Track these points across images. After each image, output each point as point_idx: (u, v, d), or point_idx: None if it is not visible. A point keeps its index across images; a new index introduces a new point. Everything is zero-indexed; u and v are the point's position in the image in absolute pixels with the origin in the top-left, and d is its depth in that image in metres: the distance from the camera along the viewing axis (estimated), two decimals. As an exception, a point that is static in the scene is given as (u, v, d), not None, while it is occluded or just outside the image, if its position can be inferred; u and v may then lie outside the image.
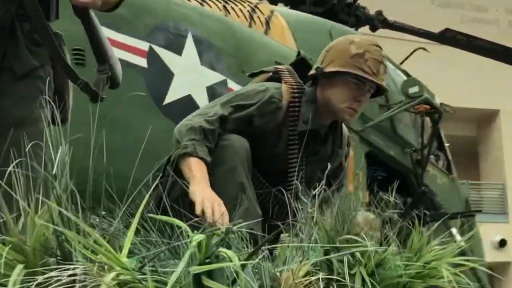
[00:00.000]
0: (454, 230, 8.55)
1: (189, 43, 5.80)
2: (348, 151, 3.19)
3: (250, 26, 6.81)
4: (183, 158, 2.61)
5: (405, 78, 8.99)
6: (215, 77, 5.89)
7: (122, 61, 5.37)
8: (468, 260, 2.41)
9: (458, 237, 8.48)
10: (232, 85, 6.03)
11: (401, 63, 9.40)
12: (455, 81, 24.17)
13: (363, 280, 2.09)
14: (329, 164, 2.96)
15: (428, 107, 8.15)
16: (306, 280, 1.85)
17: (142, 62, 5.42)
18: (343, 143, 3.13)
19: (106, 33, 5.36)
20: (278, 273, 1.80)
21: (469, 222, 9.98)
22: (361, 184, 7.57)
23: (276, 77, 3.10)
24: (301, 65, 3.34)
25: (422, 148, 8.63)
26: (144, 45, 5.46)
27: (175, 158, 2.63)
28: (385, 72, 2.91)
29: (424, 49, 9.45)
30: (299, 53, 4.28)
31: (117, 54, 5.32)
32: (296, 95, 2.94)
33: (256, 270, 1.80)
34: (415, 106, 8.15)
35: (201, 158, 2.58)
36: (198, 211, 2.26)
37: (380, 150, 8.14)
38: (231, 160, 2.61)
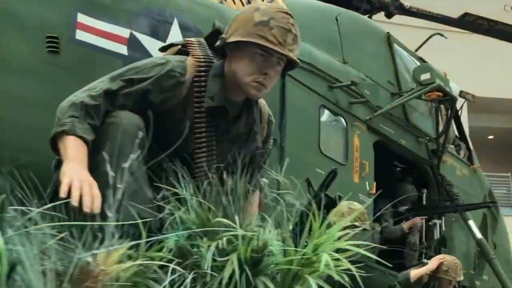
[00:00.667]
0: (471, 223, 8.24)
1: (175, 30, 5.65)
2: (270, 131, 2.94)
3: (246, 12, 6.63)
4: (60, 137, 2.39)
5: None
6: (203, 64, 5.74)
7: (100, 49, 5.33)
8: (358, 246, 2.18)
9: (475, 230, 8.18)
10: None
11: (417, 50, 9.10)
12: (493, 71, 23.47)
13: (241, 267, 1.90)
14: (247, 145, 2.74)
15: (440, 94, 7.85)
16: (117, 268, 1.65)
17: (122, 49, 5.31)
18: (262, 120, 2.87)
19: (85, 20, 5.32)
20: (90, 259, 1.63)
21: (493, 215, 9.65)
22: (367, 173, 7.35)
23: (185, 50, 2.85)
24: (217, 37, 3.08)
25: (437, 137, 8.33)
26: (124, 32, 5.34)
27: (52, 137, 2.41)
28: (295, 42, 2.63)
29: (441, 34, 9.12)
30: (214, 24, 4.01)
31: (96, 42, 5.28)
32: (203, 68, 2.68)
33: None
34: (426, 93, 7.86)
35: (80, 137, 2.36)
36: (63, 192, 2.06)
37: (390, 139, 7.89)
38: (116, 138, 2.38)
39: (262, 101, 2.88)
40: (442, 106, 8.90)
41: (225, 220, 1.96)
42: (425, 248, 8.26)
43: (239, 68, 2.64)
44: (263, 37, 2.60)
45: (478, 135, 23.68)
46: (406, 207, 8.40)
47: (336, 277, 1.90)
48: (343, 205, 5.22)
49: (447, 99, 8.10)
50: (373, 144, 7.60)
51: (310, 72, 6.87)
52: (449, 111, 8.23)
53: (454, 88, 9.22)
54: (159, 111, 2.60)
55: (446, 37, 9.21)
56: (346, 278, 1.97)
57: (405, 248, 8.20)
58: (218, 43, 2.70)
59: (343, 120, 7.18)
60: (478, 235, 8.26)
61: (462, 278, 6.73)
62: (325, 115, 6.99)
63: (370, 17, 9.01)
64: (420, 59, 8.86)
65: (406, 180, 8.64)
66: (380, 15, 9.25)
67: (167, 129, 2.60)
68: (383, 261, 4.13)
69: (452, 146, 9.48)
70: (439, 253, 8.37)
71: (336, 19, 7.67)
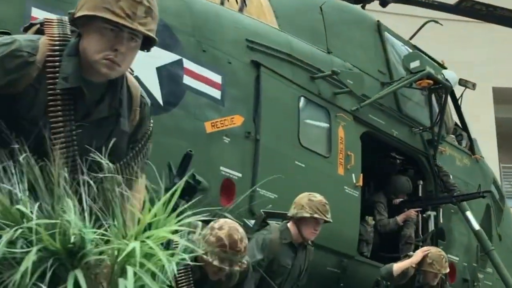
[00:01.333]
0: (469, 214, 8.01)
1: None
2: (144, 115, 2.70)
3: (222, 3, 6.52)
4: None
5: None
6: (168, 57, 5.64)
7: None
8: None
9: (473, 221, 7.95)
10: (190, 65, 5.77)
11: (410, 38, 8.87)
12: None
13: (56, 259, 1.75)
14: (113, 130, 2.52)
15: (431, 82, 7.63)
16: None
17: (80, 43, 5.24)
18: (133, 103, 2.62)
19: (40, 15, 5.25)
20: None
21: (498, 207, 9.39)
22: (353, 165, 7.18)
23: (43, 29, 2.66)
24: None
25: (431, 127, 8.11)
26: (82, 26, 5.27)
27: None
28: (149, 15, 2.39)
29: (436, 21, 8.89)
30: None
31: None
32: (57, 48, 2.49)
33: None
34: (416, 81, 7.65)
35: None
36: None
37: (380, 130, 7.69)
38: None
39: (133, 83, 2.66)
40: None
41: (23, 209, 1.79)
42: (421, 241, 8.04)
43: (88, 45, 2.42)
44: (109, 10, 2.38)
45: (504, 126, 23.12)
46: (400, 199, 8.19)
47: (152, 268, 1.74)
48: (302, 196, 5.08)
49: (440, 87, 7.88)
50: (361, 135, 7.42)
51: (289, 62, 6.72)
52: (443, 100, 7.99)
53: (452, 76, 8.97)
54: (8, 94, 2.44)
55: (441, 24, 8.97)
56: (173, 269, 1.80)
57: (400, 241, 8.01)
58: (66, 18, 2.52)
59: (326, 111, 7.02)
60: (476, 226, 8.03)
61: (447, 270, 6.51)
62: (305, 107, 6.83)
63: (363, 7, 8.81)
64: (415, 48, 8.64)
65: (400, 172, 8.44)
66: (375, 4, 9.03)
67: (19, 114, 2.44)
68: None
69: (453, 136, 9.24)
70: (436, 245, 8.17)
71: (321, 8, 7.51)
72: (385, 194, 8.26)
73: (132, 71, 2.77)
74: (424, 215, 8.11)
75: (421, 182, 8.34)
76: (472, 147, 9.29)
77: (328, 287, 7.06)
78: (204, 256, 3.59)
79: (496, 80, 22.36)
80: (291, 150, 6.50)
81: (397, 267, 6.46)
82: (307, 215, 4.89)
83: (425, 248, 6.68)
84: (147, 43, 2.55)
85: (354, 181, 7.15)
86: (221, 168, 5.86)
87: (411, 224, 8.06)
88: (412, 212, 8.01)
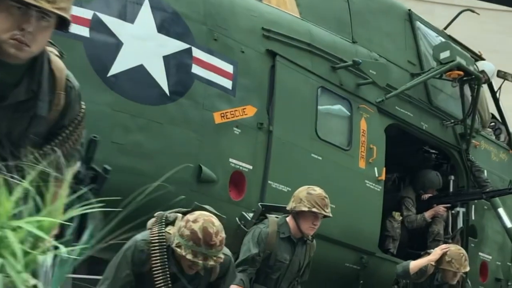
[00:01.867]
0: (501, 211, 7.69)
1: (145, 10, 5.47)
2: (70, 99, 2.49)
3: (238, -10, 6.36)
4: None
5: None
6: (176, 45, 5.53)
7: (59, 33, 5.21)
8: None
9: (505, 218, 7.63)
10: (199, 54, 5.64)
11: (445, 28, 8.54)
12: None
13: None
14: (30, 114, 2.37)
15: (461, 73, 7.32)
16: None
17: (84, 31, 5.17)
18: (57, 87, 2.43)
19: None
20: None
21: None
22: (376, 159, 6.95)
23: None
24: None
25: (463, 120, 7.79)
26: (86, 14, 5.20)
27: None
28: None
29: (472, 11, 8.54)
30: None
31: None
32: None
33: None
34: (446, 72, 7.36)
35: None
36: None
37: (408, 123, 7.42)
38: None
39: (57, 65, 2.49)
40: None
41: None
42: (450, 238, 7.75)
43: None
44: None
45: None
46: (429, 195, 7.91)
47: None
48: (301, 190, 4.91)
49: (472, 78, 7.55)
50: (388, 127, 7.18)
51: (308, 52, 6.53)
52: (476, 92, 7.66)
53: (489, 67, 8.65)
54: None
55: (478, 14, 8.61)
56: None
57: (428, 238, 7.74)
58: None
59: (347, 102, 6.81)
60: (508, 223, 7.69)
61: (467, 269, 6.23)
62: (325, 98, 6.63)
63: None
64: (449, 38, 8.32)
65: (432, 166, 8.15)
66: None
67: None
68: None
69: (490, 130, 8.89)
70: (467, 243, 7.88)
71: (347, -3, 7.28)
72: (414, 189, 8.00)
73: (63, 54, 2.62)
74: (453, 211, 7.81)
75: (452, 177, 8.04)
76: (510, 141, 8.91)
77: (347, 284, 6.87)
78: (178, 250, 3.47)
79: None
80: (307, 142, 6.32)
81: (414, 265, 6.22)
82: (305, 209, 4.71)
83: (444, 245, 6.40)
84: (63, 24, 2.40)
85: (377, 175, 6.92)
86: (231, 160, 5.73)
87: (440, 220, 7.78)
88: (440, 208, 7.72)
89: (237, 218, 4.97)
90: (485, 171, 8.17)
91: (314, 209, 4.72)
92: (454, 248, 6.27)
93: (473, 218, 7.98)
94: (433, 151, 8.46)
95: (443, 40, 8.13)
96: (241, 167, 5.79)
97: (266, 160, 5.99)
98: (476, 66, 7.70)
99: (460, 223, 7.76)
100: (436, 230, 7.72)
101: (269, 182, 5.88)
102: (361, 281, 6.80)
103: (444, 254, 6.20)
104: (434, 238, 7.73)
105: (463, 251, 6.30)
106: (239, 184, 5.74)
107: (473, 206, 8.00)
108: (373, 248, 6.87)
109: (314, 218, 4.78)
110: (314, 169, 6.35)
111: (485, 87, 8.87)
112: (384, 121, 7.16)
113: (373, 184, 6.88)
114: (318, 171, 6.37)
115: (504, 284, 8.28)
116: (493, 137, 8.82)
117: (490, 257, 8.15)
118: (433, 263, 6.21)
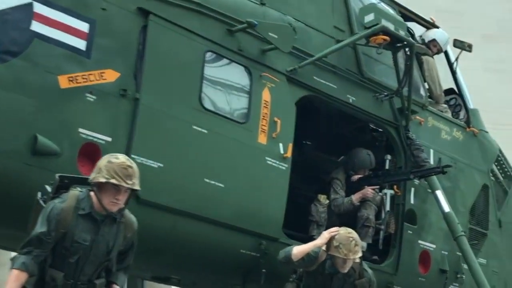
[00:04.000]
0: (439, 193, 6.88)
1: None
2: None
3: None
4: None
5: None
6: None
7: None
8: None
9: (443, 202, 6.83)
10: (42, 9, 4.99)
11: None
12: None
13: None
14: None
15: (386, 38, 6.51)
16: None
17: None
18: None
19: None
20: None
21: (502, 189, 8.14)
22: (281, 134, 6.23)
23: None
24: None
25: (396, 92, 6.96)
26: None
27: None
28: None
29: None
30: None
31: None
32: None
33: None
34: (369, 37, 6.56)
35: None
36: None
37: (329, 95, 6.65)
38: None
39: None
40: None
41: None
42: (383, 224, 6.94)
43: None
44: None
45: None
46: (359, 176, 7.11)
47: None
48: (104, 158, 4.19)
49: (404, 45, 6.73)
50: (301, 100, 6.44)
51: (196, 12, 5.83)
52: (410, 60, 6.83)
53: (442, 36, 7.85)
54: None
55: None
56: None
57: (357, 224, 6.95)
58: None
59: (246, 70, 6.08)
60: (446, 208, 6.87)
61: (358, 256, 5.43)
62: (215, 64, 5.92)
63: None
64: (396, 3, 7.51)
65: (368, 144, 7.34)
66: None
67: None
68: None
69: (445, 105, 8.01)
70: (401, 230, 7.07)
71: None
72: (345, 170, 7.21)
73: None
74: (380, 193, 6.99)
75: (389, 156, 7.21)
76: (468, 118, 8.02)
77: (248, 273, 6.16)
78: None
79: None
80: (187, 113, 5.63)
81: (298, 250, 5.47)
82: (103, 180, 4.02)
83: (333, 229, 5.62)
84: None
85: (282, 152, 6.19)
86: (81, 130, 5.08)
87: (370, 204, 6.97)
88: (368, 191, 6.92)
89: (38, 193, 4.34)
90: (431, 150, 7.36)
91: (113, 180, 4.03)
92: (343, 232, 5.50)
93: (411, 202, 7.15)
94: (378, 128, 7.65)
95: (386, 5, 7.33)
96: (95, 139, 5.14)
97: (130, 131, 5.33)
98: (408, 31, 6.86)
99: (387, 207, 6.94)
100: (365, 215, 6.93)
101: (133, 156, 5.20)
102: (263, 270, 6.06)
103: (332, 239, 5.44)
104: (363, 223, 6.93)
105: (354, 235, 5.52)
106: (92, 157, 5.08)
107: (412, 189, 7.17)
108: (275, 233, 6.13)
109: (116, 191, 4.08)
110: (196, 143, 5.67)
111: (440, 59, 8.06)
112: (295, 92, 6.41)
113: (277, 162, 6.14)
114: (202, 146, 5.70)
115: (452, 276, 7.43)
116: (449, 114, 7.95)
117: (434, 246, 7.31)
118: (324, 249, 5.46)
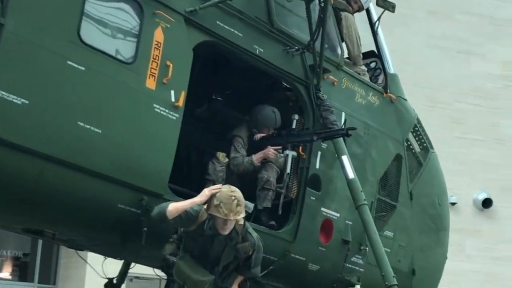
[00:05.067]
0: (345, 159, 6.43)
1: None
2: None
3: None
4: None
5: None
6: None
7: None
8: None
9: (348, 168, 6.38)
10: None
11: None
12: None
13: None
14: None
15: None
16: None
17: None
18: None
19: None
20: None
21: (417, 160, 7.75)
22: (173, 79, 5.67)
23: None
24: None
25: (308, 46, 6.45)
26: None
27: None
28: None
29: None
30: None
31: None
32: None
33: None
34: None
35: None
36: None
37: (233, 44, 6.10)
38: None
39: None
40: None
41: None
42: (284, 188, 6.47)
43: None
44: None
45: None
46: (262, 135, 6.61)
47: None
48: None
49: (315, -5, 6.21)
50: (199, 45, 5.88)
51: None
52: (323, 12, 6.30)
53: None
54: None
55: None
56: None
57: (257, 186, 6.46)
58: None
59: (136, 5, 5.48)
60: (351, 174, 6.42)
61: (240, 216, 4.96)
62: (100, -6, 5.31)
63: None
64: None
65: (274, 103, 6.83)
66: None
67: None
68: None
69: (364, 68, 7.54)
70: (303, 196, 6.61)
71: None
72: (249, 127, 6.71)
73: None
74: (282, 154, 6.51)
75: (296, 116, 6.72)
76: (386, 83, 7.56)
77: (125, 229, 5.63)
78: None
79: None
80: (62, 46, 5.01)
81: (174, 207, 4.96)
82: None
83: (215, 186, 5.12)
84: None
85: (173, 100, 5.63)
86: None
87: (272, 166, 6.48)
88: (270, 151, 6.43)
89: None
90: (343, 113, 6.90)
91: None
92: (225, 190, 5.01)
93: (317, 166, 6.68)
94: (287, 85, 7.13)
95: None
96: None
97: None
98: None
99: (288, 169, 6.46)
100: (265, 177, 6.43)
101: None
102: (145, 228, 5.52)
103: (213, 197, 4.93)
104: (263, 186, 6.44)
105: (238, 194, 5.03)
106: None
107: (319, 153, 6.70)
108: (160, 189, 5.59)
109: None
110: (70, 81, 5.07)
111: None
112: (193, 36, 5.84)
113: (166, 110, 5.59)
114: (77, 85, 5.11)
115: (356, 247, 7.02)
116: (367, 77, 7.48)
117: (338, 215, 6.87)
118: (204, 207, 4.96)
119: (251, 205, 5.35)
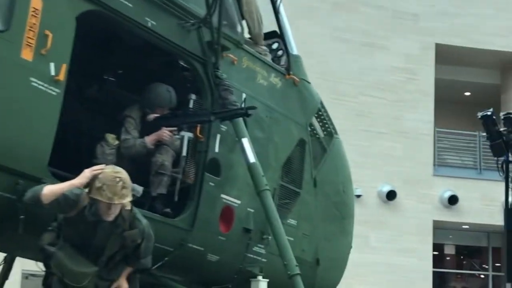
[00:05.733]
0: (245, 142, 6.02)
1: None
2: None
3: None
4: None
5: None
6: None
7: None
8: None
9: (249, 152, 5.96)
10: None
11: None
12: (476, 20, 20.64)
13: None
14: None
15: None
16: None
17: None
18: None
19: None
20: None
21: (321, 146, 7.42)
22: (53, 51, 5.09)
23: None
24: None
25: (204, 19, 6.01)
26: None
27: None
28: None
29: None
30: None
31: None
32: None
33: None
34: None
35: None
36: None
37: (121, 14, 5.58)
38: None
39: None
40: None
41: None
42: (180, 173, 6.01)
43: None
44: None
45: (444, 88, 21.18)
46: (156, 115, 6.13)
47: None
48: None
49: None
50: (82, 15, 5.33)
51: None
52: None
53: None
54: None
55: None
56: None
57: (151, 171, 5.97)
58: None
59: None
60: (252, 158, 6.02)
61: (126, 200, 4.49)
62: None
63: None
64: None
65: (171, 84, 6.35)
66: None
67: None
68: None
69: (264, 47, 7.16)
70: (201, 181, 6.16)
71: None
72: (142, 107, 6.21)
73: None
74: (177, 136, 6.05)
75: (193, 96, 6.26)
76: (289, 65, 7.20)
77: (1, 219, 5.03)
78: None
79: (445, 37, 20.42)
80: None
81: (49, 190, 4.44)
82: None
83: (97, 167, 4.63)
84: None
85: (52, 73, 5.06)
86: None
87: (168, 149, 6.00)
88: (164, 132, 5.95)
89: None
90: (243, 95, 6.49)
91: None
92: (109, 171, 4.52)
93: (216, 150, 6.24)
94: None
95: None
96: None
97: None
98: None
99: (184, 152, 6.00)
100: (159, 160, 5.95)
101: None
102: (22, 216, 4.93)
103: (95, 178, 4.42)
104: (157, 171, 5.96)
105: (123, 175, 4.55)
106: None
107: (218, 136, 6.26)
108: (38, 172, 5.01)
109: None
110: None
111: None
112: (76, 4, 5.29)
113: (45, 85, 5.02)
114: None
115: (258, 236, 6.63)
116: (269, 58, 7.11)
117: (239, 202, 6.46)
118: (83, 189, 4.44)
119: (139, 188, 4.87)
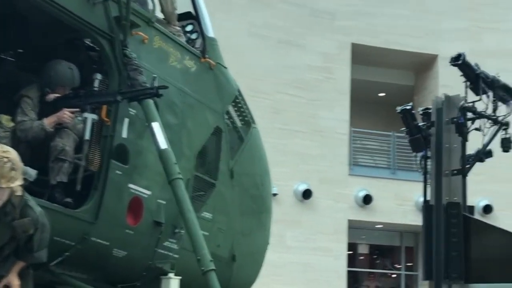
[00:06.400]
0: (156, 126, 5.57)
1: None
2: None
3: None
4: None
5: None
6: None
7: None
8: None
9: (159, 137, 5.49)
10: None
11: None
12: (392, 20, 20.70)
13: None
14: None
15: None
16: None
17: None
18: None
19: None
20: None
21: (238, 135, 7.00)
22: None
23: None
24: None
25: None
26: None
27: None
28: None
29: None
30: None
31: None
32: None
33: None
34: None
35: None
36: None
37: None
38: None
39: None
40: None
41: None
42: (85, 159, 5.46)
43: None
44: None
45: (360, 89, 21.17)
46: (56, 95, 5.56)
47: None
48: None
49: None
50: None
51: None
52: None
53: None
54: None
55: None
56: None
57: (50, 156, 5.40)
58: None
59: None
60: (163, 144, 5.54)
61: (15, 184, 3.96)
62: None
63: None
64: None
65: (65, 58, 5.80)
66: None
67: None
68: None
69: (178, 28, 6.68)
70: (107, 168, 5.62)
71: None
72: (41, 87, 5.63)
73: None
74: (80, 118, 5.50)
75: (99, 76, 5.72)
76: (205, 48, 6.74)
77: None
78: None
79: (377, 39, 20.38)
80: None
81: None
82: None
83: (-19, 145, 4.08)
84: None
85: None
86: None
87: (69, 133, 5.45)
88: (65, 114, 5.40)
89: None
90: (156, 77, 5.97)
91: None
92: (-6, 150, 3.95)
93: (124, 135, 5.72)
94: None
95: None
96: None
97: None
98: None
99: (87, 135, 5.46)
100: (60, 145, 5.39)
101: None
102: None
103: (-23, 159, 3.86)
104: (57, 156, 5.39)
105: (12, 155, 4.03)
106: None
107: (126, 120, 5.74)
108: None
109: None
110: None
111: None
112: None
113: None
114: None
115: (169, 230, 6.14)
116: (182, 39, 6.63)
117: (149, 193, 5.94)
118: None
119: (32, 172, 4.32)
